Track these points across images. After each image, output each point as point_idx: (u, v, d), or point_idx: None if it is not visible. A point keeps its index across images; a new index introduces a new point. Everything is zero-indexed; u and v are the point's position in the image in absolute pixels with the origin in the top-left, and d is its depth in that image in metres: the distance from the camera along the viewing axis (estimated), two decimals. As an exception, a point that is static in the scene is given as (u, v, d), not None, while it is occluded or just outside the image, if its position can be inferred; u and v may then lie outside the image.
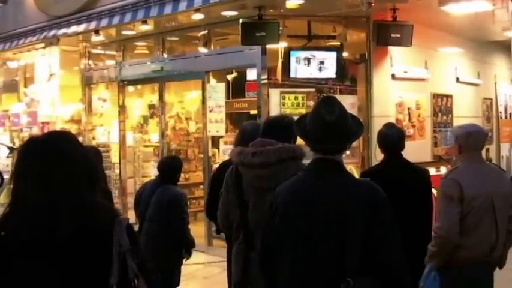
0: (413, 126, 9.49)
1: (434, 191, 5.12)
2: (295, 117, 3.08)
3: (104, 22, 9.58)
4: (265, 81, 8.73)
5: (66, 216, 2.14)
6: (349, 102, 8.45)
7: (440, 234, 4.00)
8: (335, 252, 2.56)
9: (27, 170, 2.22)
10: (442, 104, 10.40)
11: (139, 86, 11.93)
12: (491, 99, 12.63)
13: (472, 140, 4.20)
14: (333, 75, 8.77)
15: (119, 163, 11.24)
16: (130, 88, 11.62)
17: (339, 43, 9.05)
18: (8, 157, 11.37)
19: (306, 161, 2.99)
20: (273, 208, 2.76)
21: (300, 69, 8.61)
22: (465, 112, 11.02)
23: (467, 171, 4.10)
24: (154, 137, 11.47)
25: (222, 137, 9.55)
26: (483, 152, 4.48)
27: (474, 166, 4.15)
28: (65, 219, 2.13)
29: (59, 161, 2.21)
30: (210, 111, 9.46)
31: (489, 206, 4.00)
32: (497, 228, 4.01)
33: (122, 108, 11.32)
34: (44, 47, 11.64)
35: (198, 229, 8.81)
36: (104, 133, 11.72)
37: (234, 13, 8.62)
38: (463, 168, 4.13)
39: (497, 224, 4.01)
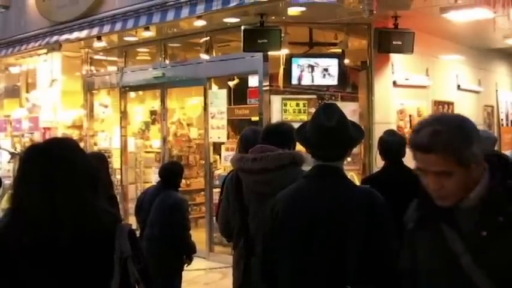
0: (415, 133, 9.48)
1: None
2: (297, 124, 3.09)
3: (106, 28, 9.62)
4: (267, 87, 8.75)
5: (68, 221, 2.15)
6: (350, 109, 8.46)
7: None
8: (335, 259, 2.57)
9: (29, 175, 2.24)
10: (443, 111, 10.40)
11: (140, 92, 11.95)
12: (492, 106, 12.64)
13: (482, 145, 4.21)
14: (335, 82, 8.79)
15: (121, 169, 11.26)
16: (132, 94, 11.65)
17: (340, 50, 9.08)
18: (9, 162, 11.40)
19: (307, 168, 2.99)
20: (273, 214, 2.77)
21: (301, 76, 8.63)
22: (466, 119, 11.00)
23: None
24: (155, 143, 11.49)
25: (223, 143, 9.57)
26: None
27: None
28: (66, 225, 2.14)
29: (60, 167, 2.23)
30: (212, 117, 9.48)
31: None
32: None
33: (124, 114, 11.35)
34: (46, 53, 11.67)
35: (199, 235, 8.82)
36: (105, 139, 11.74)
37: (236, 20, 8.65)
38: None
39: None
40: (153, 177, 10.60)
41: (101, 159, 5.39)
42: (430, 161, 2.01)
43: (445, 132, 1.99)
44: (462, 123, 2.04)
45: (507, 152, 12.47)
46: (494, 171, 2.08)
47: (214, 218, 6.07)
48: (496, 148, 4.54)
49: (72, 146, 2.38)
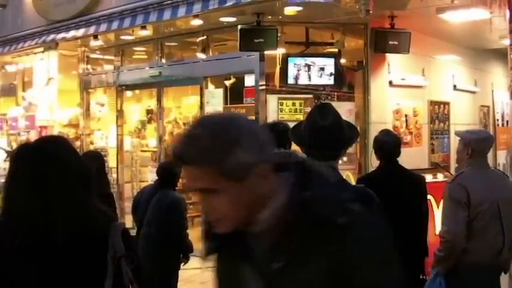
0: (410, 133, 9.51)
1: (430, 197, 5.13)
2: (292, 124, 3.10)
3: (103, 27, 9.61)
4: (263, 87, 8.75)
5: (61, 221, 2.15)
6: (346, 109, 8.47)
7: (447, 239, 4.02)
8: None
9: (20, 175, 2.23)
10: (439, 111, 10.43)
11: (137, 91, 11.94)
12: (488, 106, 12.67)
13: (483, 145, 4.23)
14: (331, 82, 8.79)
15: (117, 168, 11.25)
16: (129, 93, 11.64)
17: (336, 50, 9.09)
18: (5, 161, 11.38)
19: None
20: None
21: (297, 76, 8.64)
22: (462, 119, 11.05)
23: (473, 176, 4.12)
24: (151, 142, 11.48)
25: (219, 142, 9.55)
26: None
27: (480, 171, 4.17)
28: (59, 224, 2.14)
29: (52, 166, 2.22)
30: (208, 116, 9.47)
31: (495, 211, 4.02)
32: (503, 232, 4.04)
33: (120, 113, 11.34)
34: (42, 51, 11.64)
35: (195, 234, 8.78)
36: (101, 138, 11.73)
37: (233, 19, 8.66)
38: (470, 173, 4.15)
39: (503, 228, 4.04)
40: (149, 176, 10.58)
41: (97, 158, 5.41)
42: (190, 175, 1.55)
43: (201, 137, 1.52)
44: (226, 125, 1.55)
45: (502, 153, 12.52)
46: (294, 183, 1.59)
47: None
48: (492, 149, 4.54)
49: (65, 144, 2.38)
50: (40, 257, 2.13)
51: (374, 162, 4.89)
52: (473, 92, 11.88)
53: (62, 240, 2.12)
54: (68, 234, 2.14)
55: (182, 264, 5.76)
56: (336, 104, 2.88)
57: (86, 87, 11.95)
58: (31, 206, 2.16)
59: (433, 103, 10.23)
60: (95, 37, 10.02)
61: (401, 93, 9.35)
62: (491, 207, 4.02)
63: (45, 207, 2.15)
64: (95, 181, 2.41)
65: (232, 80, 9.68)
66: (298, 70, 8.61)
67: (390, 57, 8.90)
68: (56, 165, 2.23)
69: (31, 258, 2.13)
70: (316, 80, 8.68)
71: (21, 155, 2.29)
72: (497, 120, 12.92)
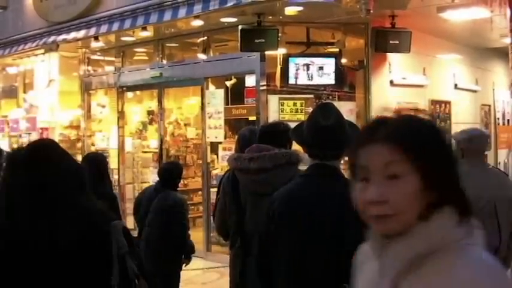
0: (412, 132, 9.49)
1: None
2: (294, 124, 3.10)
3: (104, 28, 9.62)
4: (264, 87, 8.75)
5: (62, 223, 2.15)
6: (347, 109, 8.46)
7: None
8: (331, 259, 2.57)
9: (17, 181, 2.23)
10: (440, 111, 10.42)
11: (138, 92, 11.96)
12: (489, 105, 12.65)
13: (474, 144, 4.22)
14: (332, 82, 8.79)
15: (118, 169, 11.25)
16: (130, 94, 11.65)
17: (337, 49, 9.08)
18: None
19: (303, 167, 3.00)
20: (270, 214, 2.78)
21: (298, 76, 8.64)
22: (463, 118, 11.03)
23: (467, 175, 4.10)
24: (153, 143, 11.49)
25: (220, 143, 9.57)
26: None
27: (476, 170, 4.16)
28: (61, 227, 2.14)
29: (47, 170, 2.22)
30: (209, 117, 9.48)
31: (492, 209, 4.02)
32: (500, 231, 4.03)
33: (121, 114, 11.34)
34: (43, 53, 11.66)
35: (196, 235, 8.80)
36: (103, 139, 11.73)
37: (233, 20, 8.66)
38: (465, 172, 4.13)
39: (500, 227, 4.03)
40: (151, 177, 10.60)
41: (100, 160, 5.44)
42: None
43: None
44: None
45: (503, 151, 12.51)
46: None
47: (212, 217, 6.07)
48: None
49: (55, 148, 2.37)
50: (45, 261, 2.13)
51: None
52: (474, 91, 11.87)
53: (64, 242, 2.12)
54: (70, 236, 2.14)
55: (184, 265, 5.76)
56: (336, 104, 2.89)
57: (86, 88, 11.95)
58: (32, 212, 2.15)
59: (434, 102, 10.22)
60: (96, 38, 10.02)
61: (402, 92, 9.34)
62: (487, 205, 4.02)
63: (44, 213, 2.15)
64: (89, 180, 2.41)
65: (233, 81, 9.68)
66: (298, 70, 8.61)
67: (391, 56, 8.90)
68: (49, 169, 2.22)
69: (35, 262, 2.13)
70: (317, 79, 8.68)
71: (14, 162, 2.28)
72: (498, 119, 12.91)
